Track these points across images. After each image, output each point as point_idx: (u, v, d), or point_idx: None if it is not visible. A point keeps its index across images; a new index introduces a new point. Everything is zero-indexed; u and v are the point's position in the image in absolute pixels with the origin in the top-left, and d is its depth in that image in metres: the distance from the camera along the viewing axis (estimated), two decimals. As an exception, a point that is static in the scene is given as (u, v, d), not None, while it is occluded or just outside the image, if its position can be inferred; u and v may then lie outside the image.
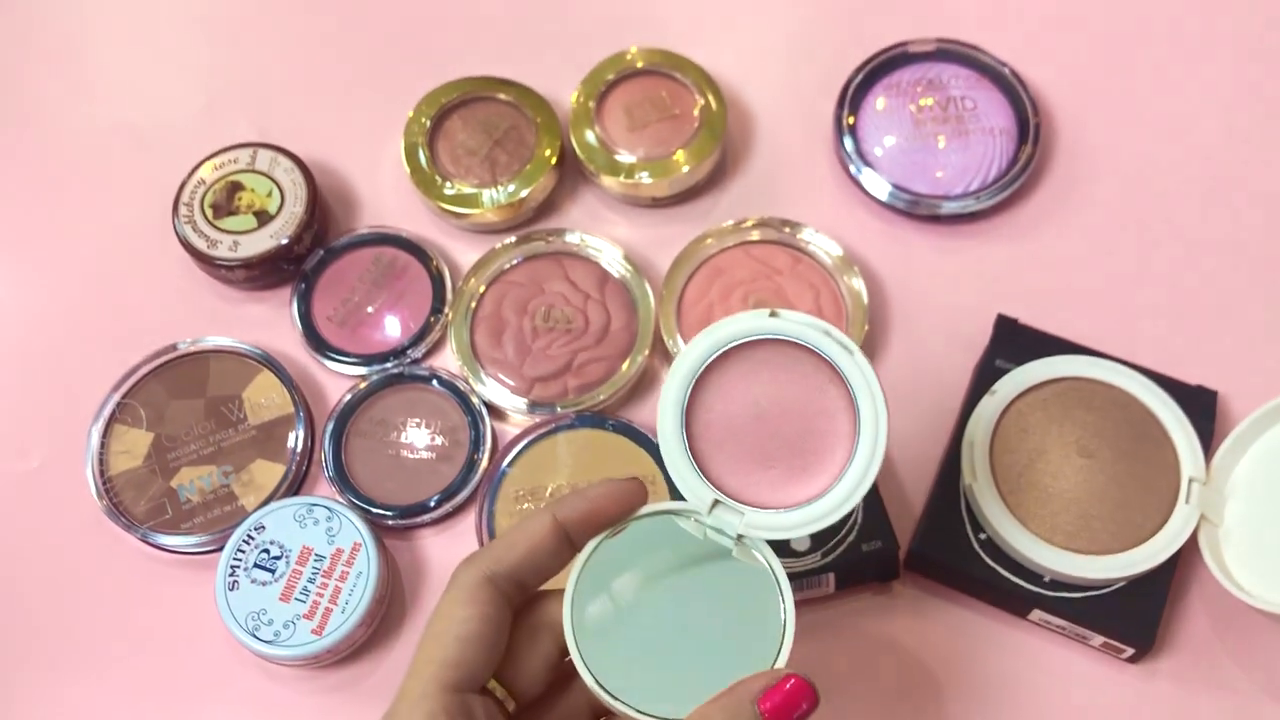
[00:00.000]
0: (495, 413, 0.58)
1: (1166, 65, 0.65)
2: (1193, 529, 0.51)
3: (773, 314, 0.43)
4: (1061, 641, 0.52)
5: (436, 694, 0.37)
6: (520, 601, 0.41)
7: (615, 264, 0.60)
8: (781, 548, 0.50)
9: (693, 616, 0.41)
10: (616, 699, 0.39)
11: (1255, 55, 0.65)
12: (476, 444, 0.57)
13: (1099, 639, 0.51)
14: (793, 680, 0.38)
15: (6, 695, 0.54)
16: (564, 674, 0.42)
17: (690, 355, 0.43)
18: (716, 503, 0.42)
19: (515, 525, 0.41)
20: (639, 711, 0.39)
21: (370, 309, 0.60)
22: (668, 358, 0.58)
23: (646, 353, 0.58)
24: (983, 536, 0.52)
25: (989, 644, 0.52)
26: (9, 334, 0.63)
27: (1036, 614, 0.51)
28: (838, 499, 0.42)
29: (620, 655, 0.40)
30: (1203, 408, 0.54)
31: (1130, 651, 0.51)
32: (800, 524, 0.42)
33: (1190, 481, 0.51)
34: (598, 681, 0.39)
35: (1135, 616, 0.50)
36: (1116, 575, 0.50)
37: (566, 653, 0.40)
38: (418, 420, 0.57)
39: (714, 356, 0.43)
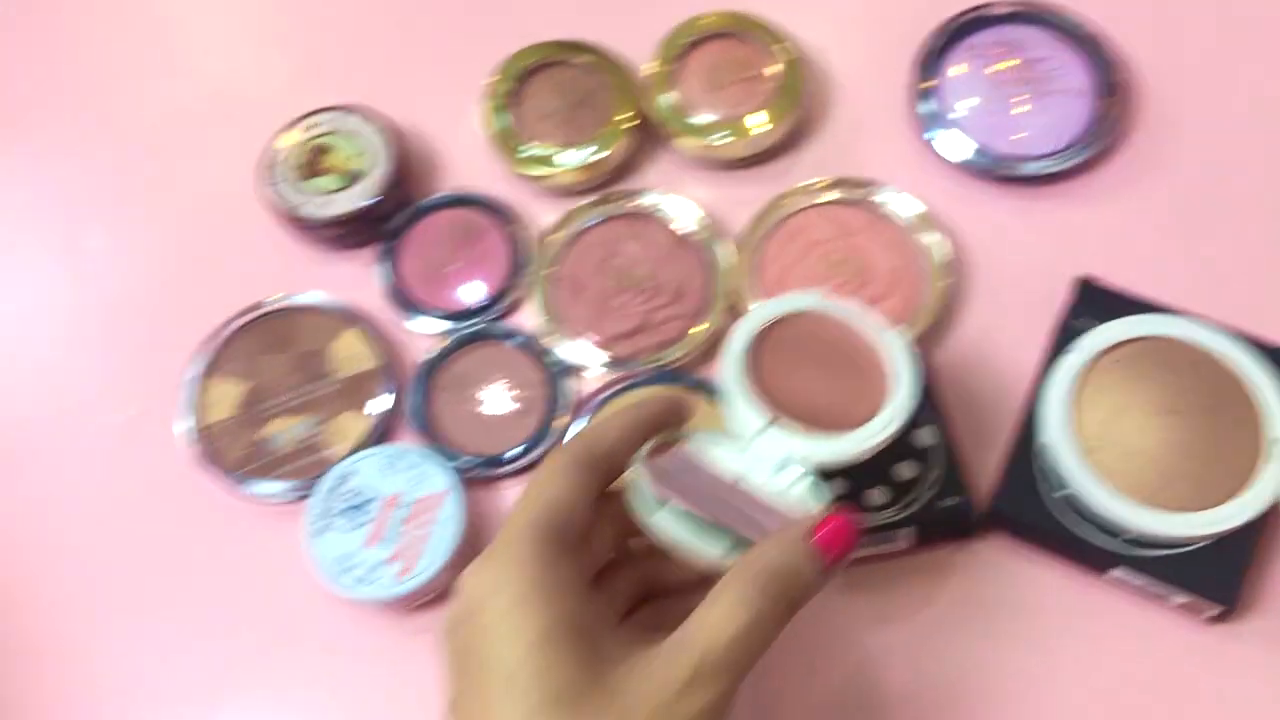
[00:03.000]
0: (573, 370, 0.59)
1: (1255, 22, 0.64)
2: (1276, 491, 0.50)
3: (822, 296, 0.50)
4: (1141, 600, 0.52)
5: (529, 539, 0.39)
6: (608, 481, 0.43)
7: (692, 224, 0.60)
8: (860, 502, 0.51)
9: (742, 502, 0.43)
10: (677, 544, 0.42)
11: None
12: (554, 400, 0.58)
13: (1180, 598, 0.51)
14: (840, 517, 0.40)
15: (104, 638, 0.56)
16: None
17: (757, 314, 0.49)
18: (769, 425, 0.45)
19: (608, 415, 0.44)
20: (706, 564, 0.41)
21: (452, 269, 0.61)
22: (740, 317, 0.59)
23: (722, 312, 0.58)
24: (1062, 494, 0.52)
25: (1067, 602, 0.52)
26: (110, 292, 0.65)
27: (1116, 572, 0.51)
28: (871, 432, 0.46)
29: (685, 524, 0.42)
30: (1287, 368, 0.53)
31: (1212, 611, 0.50)
32: (847, 449, 0.45)
33: (1273, 441, 0.51)
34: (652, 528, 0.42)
35: (1218, 575, 0.50)
36: (1199, 533, 0.50)
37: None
38: (498, 377, 0.59)
39: (775, 318, 0.49)
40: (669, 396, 0.45)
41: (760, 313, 0.49)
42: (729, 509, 0.42)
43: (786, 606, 0.39)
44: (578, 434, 0.43)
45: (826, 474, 0.45)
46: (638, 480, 0.43)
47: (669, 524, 0.42)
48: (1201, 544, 0.50)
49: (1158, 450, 0.51)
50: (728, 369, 0.47)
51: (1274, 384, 0.52)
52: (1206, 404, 0.52)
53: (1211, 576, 0.50)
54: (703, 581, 0.40)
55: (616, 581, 0.43)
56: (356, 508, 0.54)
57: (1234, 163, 0.61)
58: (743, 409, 0.46)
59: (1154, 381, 0.52)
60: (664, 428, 0.44)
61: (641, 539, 0.43)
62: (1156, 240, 0.59)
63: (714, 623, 0.37)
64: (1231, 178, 0.60)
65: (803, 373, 0.48)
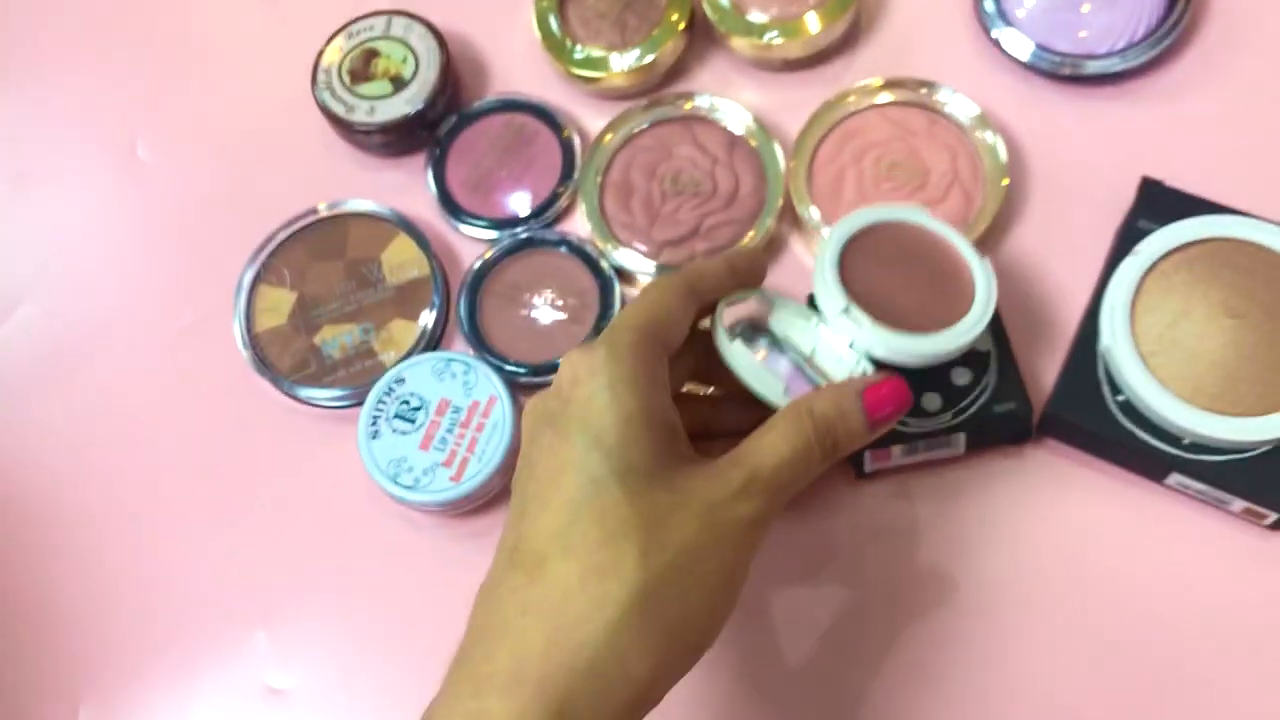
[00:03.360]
0: (624, 277, 0.58)
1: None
2: (1347, 388, 0.49)
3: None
4: (1200, 507, 0.51)
5: (635, 334, 0.42)
6: (703, 310, 0.46)
7: (744, 128, 0.59)
8: (916, 406, 0.51)
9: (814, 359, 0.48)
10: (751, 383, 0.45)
11: None
12: (606, 306, 0.57)
13: (1240, 504, 0.50)
14: (893, 380, 0.44)
15: (160, 541, 0.58)
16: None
17: (859, 217, 0.51)
18: (847, 309, 0.48)
19: (711, 258, 0.47)
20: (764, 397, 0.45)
21: (502, 174, 0.61)
22: (797, 222, 0.58)
23: (775, 217, 0.57)
24: (1120, 398, 0.51)
25: (1124, 509, 0.52)
26: (162, 201, 0.65)
27: (1174, 478, 0.50)
28: (945, 341, 0.48)
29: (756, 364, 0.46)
30: (1359, 269, 0.52)
31: (1273, 517, 0.49)
32: (908, 349, 0.47)
33: (1344, 344, 0.50)
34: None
35: (1279, 481, 0.49)
36: (1260, 438, 0.49)
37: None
38: (549, 283, 0.58)
39: (875, 223, 0.50)
40: (758, 254, 0.50)
41: (862, 216, 0.51)
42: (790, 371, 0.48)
43: (830, 448, 0.43)
44: (686, 265, 0.46)
45: (885, 368, 0.47)
46: (722, 313, 0.47)
47: (742, 356, 0.46)
48: (1262, 449, 0.49)
49: (1220, 354, 0.50)
50: (823, 253, 0.49)
51: (1343, 284, 0.51)
52: (1274, 307, 0.50)
53: (1272, 482, 0.49)
54: (754, 427, 0.43)
55: (683, 413, 0.44)
56: (408, 413, 0.55)
57: (1309, 59, 0.58)
58: (825, 290, 0.48)
59: (1218, 284, 0.51)
60: (750, 280, 0.48)
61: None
62: (1224, 141, 0.57)
63: (764, 447, 0.41)
64: (1306, 75, 0.58)
65: (888, 274, 0.49)
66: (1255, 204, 0.53)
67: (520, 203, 0.60)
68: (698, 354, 0.47)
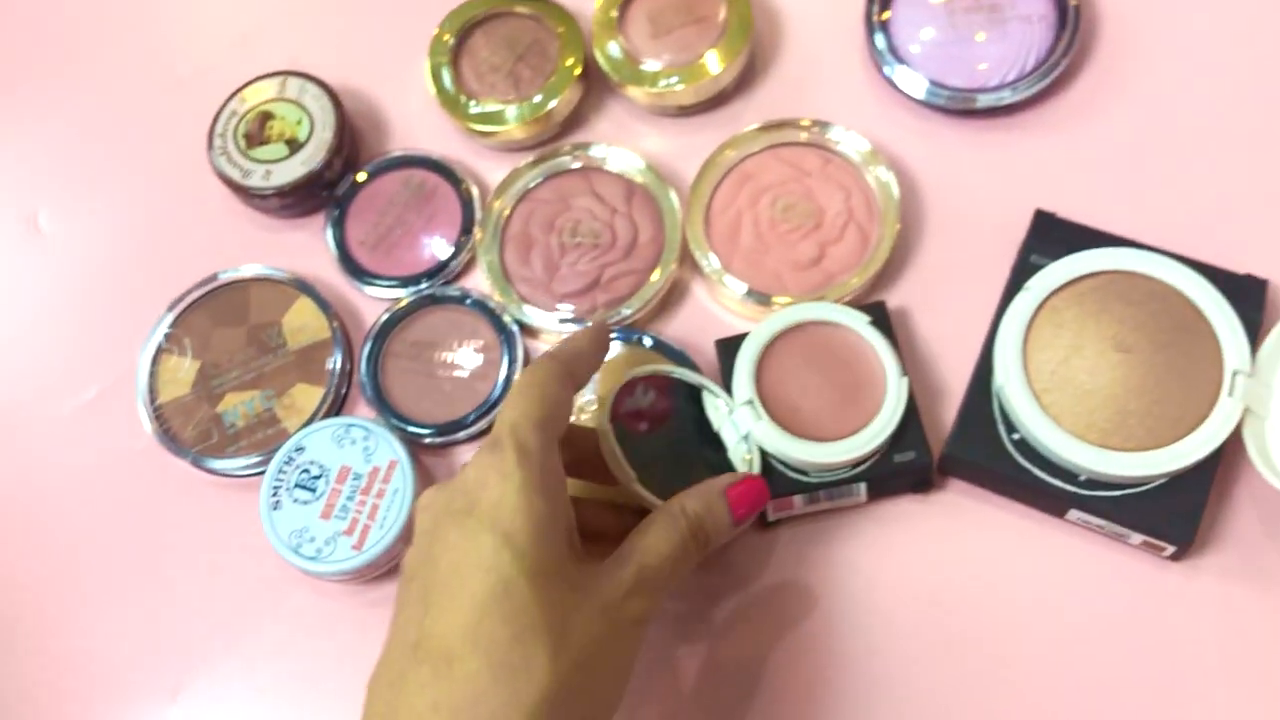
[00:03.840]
0: (527, 330, 0.58)
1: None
2: (1236, 423, 0.49)
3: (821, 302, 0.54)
4: (1101, 541, 0.51)
5: (536, 432, 0.43)
6: (577, 390, 0.47)
7: (641, 176, 0.59)
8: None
9: (693, 449, 0.52)
10: (632, 482, 0.48)
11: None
12: (510, 362, 0.57)
13: (1138, 537, 0.50)
14: (753, 480, 0.47)
15: (68, 617, 0.57)
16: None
17: (788, 314, 0.53)
18: (751, 402, 0.51)
19: (575, 334, 0.48)
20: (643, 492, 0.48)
21: (402, 232, 0.61)
22: (696, 268, 0.58)
23: (674, 264, 0.57)
24: (1016, 437, 0.51)
25: (1027, 546, 0.52)
26: (64, 274, 0.65)
27: (1074, 514, 0.50)
28: (838, 451, 0.50)
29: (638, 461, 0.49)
30: (1251, 297, 0.52)
31: (1171, 549, 0.49)
32: (793, 453, 0.50)
33: (1234, 374, 0.50)
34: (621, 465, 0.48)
35: (1175, 513, 0.49)
36: (1153, 472, 0.49)
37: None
38: (452, 340, 0.58)
39: (802, 322, 0.53)
40: (604, 322, 0.54)
41: (798, 312, 0.53)
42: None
43: (703, 542, 0.46)
44: (556, 347, 0.47)
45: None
46: (607, 409, 0.49)
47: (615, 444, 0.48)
48: (1157, 483, 0.49)
49: (1111, 389, 0.50)
50: (750, 342, 0.52)
51: (1234, 315, 0.51)
52: (1164, 340, 0.51)
53: (1167, 515, 0.49)
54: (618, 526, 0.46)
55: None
56: (309, 482, 0.54)
57: (1194, 88, 0.59)
58: (739, 378, 0.52)
59: (1108, 318, 0.51)
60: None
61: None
62: (1117, 169, 0.57)
63: (647, 546, 0.44)
64: (1191, 104, 0.58)
65: (805, 374, 0.52)
66: (1150, 230, 0.53)
67: (421, 259, 0.60)
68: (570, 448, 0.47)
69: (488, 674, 0.39)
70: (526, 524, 0.40)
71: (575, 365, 0.46)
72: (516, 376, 0.49)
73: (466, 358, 0.58)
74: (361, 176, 0.62)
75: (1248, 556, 0.50)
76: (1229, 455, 0.50)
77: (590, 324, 0.53)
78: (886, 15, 0.60)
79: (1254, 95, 0.58)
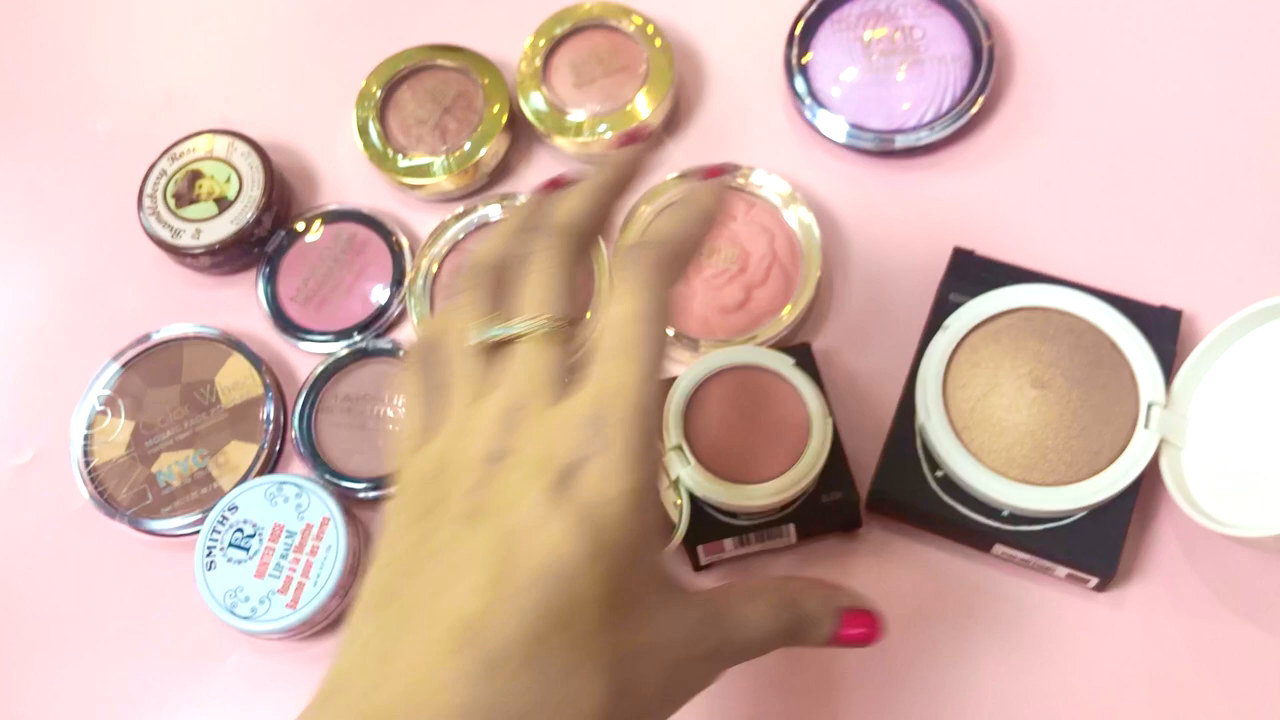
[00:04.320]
0: (458, 380, 0.58)
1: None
2: (1152, 454, 0.50)
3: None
4: (1027, 574, 0.52)
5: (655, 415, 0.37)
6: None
7: (569, 224, 0.60)
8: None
9: None
10: None
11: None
12: (443, 412, 0.57)
13: (1063, 570, 0.50)
14: (874, 620, 0.43)
15: (6, 680, 0.57)
16: None
17: (717, 358, 0.53)
18: (680, 446, 0.51)
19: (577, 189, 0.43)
20: None
21: (333, 286, 0.61)
22: (625, 314, 0.58)
23: (600, 310, 0.58)
24: (939, 474, 0.51)
25: (954, 582, 0.52)
26: (1, 334, 0.65)
27: (999, 549, 0.51)
28: (766, 493, 0.50)
29: None
30: (1166, 328, 0.53)
31: (1094, 580, 0.50)
32: (717, 496, 0.50)
33: (1149, 405, 0.50)
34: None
35: (1097, 546, 0.50)
36: (1074, 506, 0.49)
37: None
38: (384, 393, 0.58)
39: (731, 366, 0.53)
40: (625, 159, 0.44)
41: (726, 356, 0.53)
42: None
43: (787, 642, 0.41)
44: (566, 210, 0.41)
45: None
46: None
47: None
48: (1079, 516, 0.50)
49: (1030, 424, 0.51)
50: (678, 386, 0.52)
51: (1148, 347, 0.52)
52: (1080, 374, 0.51)
53: (1090, 547, 0.50)
54: None
55: None
56: (243, 541, 0.54)
57: (1107, 124, 0.60)
58: (667, 426, 0.52)
59: (1024, 355, 0.52)
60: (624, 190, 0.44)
61: None
62: (1033, 206, 0.58)
63: (744, 618, 0.39)
64: (1105, 139, 0.59)
65: (732, 417, 0.52)
66: (1067, 266, 0.54)
67: (353, 313, 0.60)
68: None
69: (536, 694, 0.33)
70: (631, 538, 0.34)
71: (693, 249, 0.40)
72: (639, 296, 0.37)
73: (399, 411, 0.58)
74: (291, 232, 0.62)
75: (1171, 585, 0.51)
76: (1149, 485, 0.51)
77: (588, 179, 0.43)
78: (807, 58, 0.61)
79: (1166, 130, 0.59)
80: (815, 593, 0.42)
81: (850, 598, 0.42)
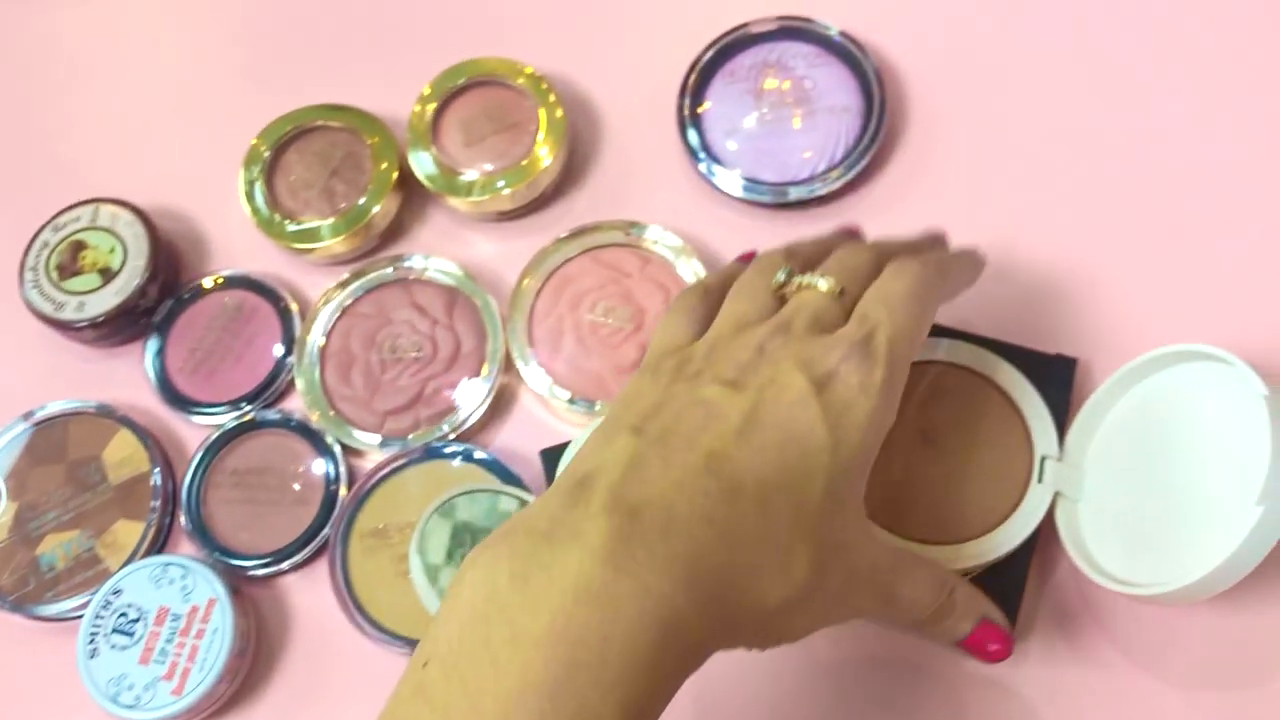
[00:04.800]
0: (351, 450, 0.57)
1: (1018, 29, 0.63)
2: (1046, 508, 0.49)
3: None
4: (929, 632, 0.51)
5: (909, 349, 0.43)
6: None
7: (461, 285, 0.59)
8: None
9: None
10: None
11: (1117, 9, 0.62)
12: (333, 485, 0.56)
13: (962, 628, 0.50)
14: (1008, 639, 0.46)
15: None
16: None
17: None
18: None
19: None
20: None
21: (222, 355, 0.59)
22: (520, 377, 0.57)
23: (498, 375, 0.57)
24: (835, 534, 0.51)
25: (857, 639, 0.51)
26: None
27: (898, 608, 0.50)
28: None
29: None
30: (1061, 378, 0.52)
31: (994, 638, 0.49)
32: None
33: (1043, 459, 0.50)
34: None
35: (995, 603, 0.49)
36: (970, 564, 0.49)
37: None
38: (274, 465, 0.57)
39: None
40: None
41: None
42: None
43: (926, 628, 0.44)
44: (939, 263, 0.46)
45: None
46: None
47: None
48: (976, 573, 0.49)
49: (921, 483, 0.50)
50: (565, 460, 0.51)
51: (1039, 399, 0.51)
52: (971, 429, 0.51)
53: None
54: None
55: None
56: (126, 626, 0.53)
57: (1002, 171, 0.59)
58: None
59: (915, 409, 0.51)
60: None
61: None
62: (929, 254, 0.58)
63: (912, 578, 0.43)
64: (1000, 186, 0.59)
65: None
66: (960, 317, 0.53)
67: (241, 383, 0.59)
68: None
69: (762, 530, 0.37)
70: (861, 448, 0.40)
71: (953, 290, 0.47)
72: (915, 276, 0.43)
73: (289, 483, 0.56)
74: (179, 301, 0.61)
75: (1072, 640, 0.51)
76: (1047, 537, 0.50)
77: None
78: (703, 108, 0.61)
79: (1057, 177, 0.59)
80: (971, 592, 0.45)
81: (994, 611, 0.46)
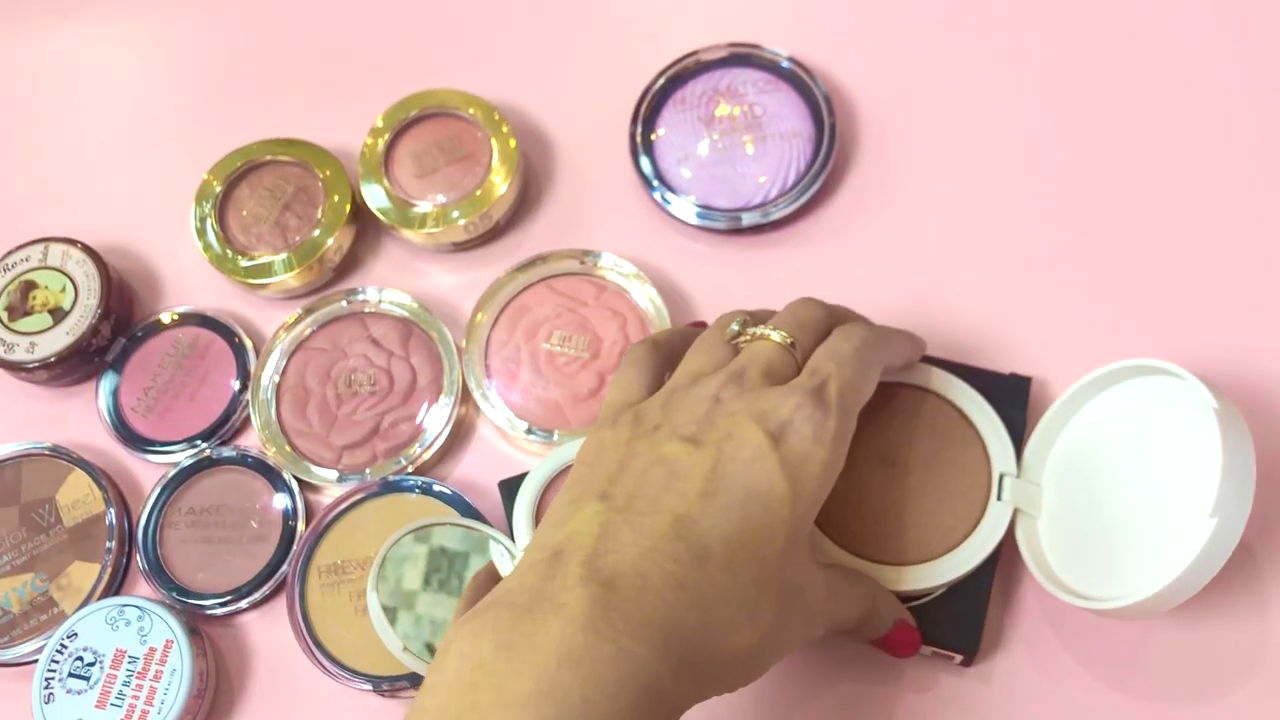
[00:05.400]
0: (308, 486, 0.57)
1: (967, 57, 0.64)
2: (1006, 526, 0.49)
3: None
4: (894, 653, 0.51)
5: (858, 401, 0.46)
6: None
7: (417, 317, 0.58)
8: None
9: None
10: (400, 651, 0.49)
11: (1062, 37, 0.63)
12: (290, 521, 0.55)
13: (928, 649, 0.50)
14: (918, 635, 0.49)
15: None
16: None
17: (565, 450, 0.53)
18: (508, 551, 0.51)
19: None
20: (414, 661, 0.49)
21: (175, 393, 0.59)
22: (478, 408, 0.57)
23: (455, 406, 0.56)
24: (797, 558, 0.51)
25: (822, 661, 0.51)
26: None
27: (860, 629, 0.50)
28: None
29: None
30: (1016, 396, 0.53)
31: (959, 657, 0.49)
32: None
33: (1001, 476, 0.50)
34: None
35: (959, 622, 0.49)
36: (931, 584, 0.49)
37: None
38: (230, 503, 0.56)
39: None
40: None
41: (568, 450, 0.52)
42: None
43: (851, 631, 0.47)
44: (886, 333, 0.49)
45: None
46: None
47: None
48: (938, 593, 0.49)
49: (881, 504, 0.50)
50: (526, 487, 0.52)
51: (996, 417, 0.51)
52: (929, 449, 0.51)
53: (952, 624, 0.49)
54: None
55: None
56: (83, 670, 0.52)
57: (953, 193, 0.60)
58: (518, 524, 0.51)
59: (873, 431, 0.51)
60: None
61: None
62: (881, 280, 0.58)
63: (850, 600, 0.46)
64: (951, 208, 0.60)
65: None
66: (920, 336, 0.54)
67: (196, 421, 0.58)
68: None
69: (729, 590, 0.40)
70: (816, 498, 0.42)
71: (896, 358, 0.49)
72: (862, 337, 0.46)
73: (246, 520, 0.56)
74: (132, 340, 0.60)
75: (1037, 656, 0.51)
76: (1008, 555, 0.51)
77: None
78: (656, 135, 0.61)
79: (1010, 198, 0.59)
80: (889, 600, 0.48)
81: (906, 613, 0.48)
